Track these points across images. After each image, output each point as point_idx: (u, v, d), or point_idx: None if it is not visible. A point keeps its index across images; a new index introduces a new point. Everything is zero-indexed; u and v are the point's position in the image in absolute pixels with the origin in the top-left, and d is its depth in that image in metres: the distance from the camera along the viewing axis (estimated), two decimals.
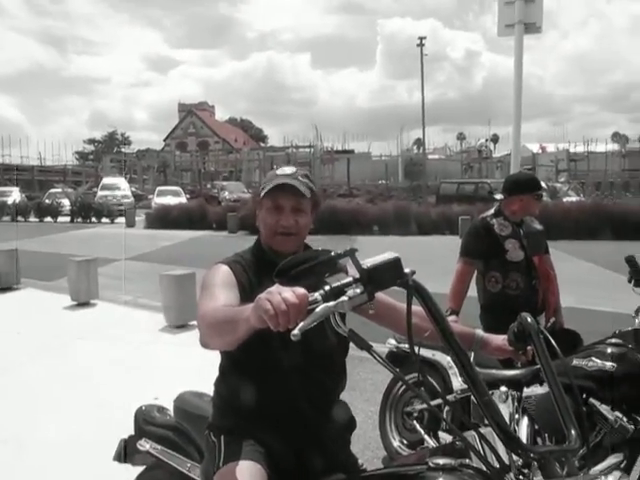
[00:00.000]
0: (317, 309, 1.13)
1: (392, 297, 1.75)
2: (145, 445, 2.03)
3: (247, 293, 1.56)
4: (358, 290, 1.18)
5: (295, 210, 1.69)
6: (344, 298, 1.16)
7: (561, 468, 1.22)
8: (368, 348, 1.20)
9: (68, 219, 24.78)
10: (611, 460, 2.38)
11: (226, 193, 29.30)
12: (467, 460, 1.25)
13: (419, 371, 2.19)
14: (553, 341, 1.52)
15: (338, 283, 1.19)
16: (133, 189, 33.57)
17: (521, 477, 1.16)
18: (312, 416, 1.59)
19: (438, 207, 20.82)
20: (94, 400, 4.20)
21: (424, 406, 3.22)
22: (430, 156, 47.10)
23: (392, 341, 3.44)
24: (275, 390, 1.59)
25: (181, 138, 67.19)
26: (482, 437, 1.23)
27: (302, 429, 1.58)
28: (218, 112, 78.26)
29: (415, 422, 3.22)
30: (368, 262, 1.22)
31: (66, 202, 25.56)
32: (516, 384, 2.77)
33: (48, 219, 25.04)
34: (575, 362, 2.54)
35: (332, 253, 1.24)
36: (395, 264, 1.23)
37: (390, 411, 3.53)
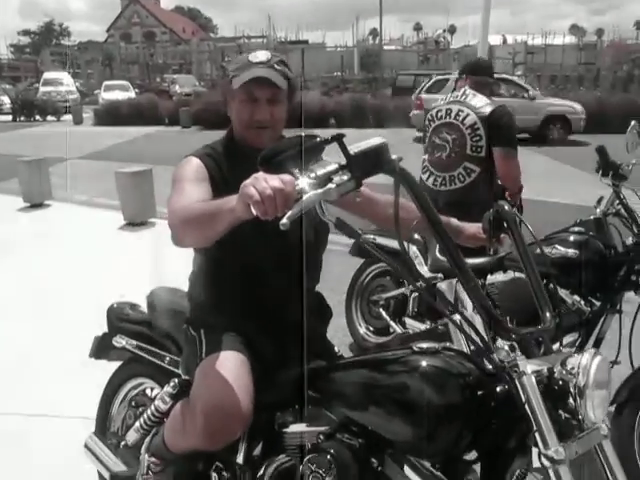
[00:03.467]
0: (304, 197, 1.09)
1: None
2: (121, 341, 2.03)
3: (220, 187, 1.50)
4: (345, 177, 1.13)
5: (271, 102, 1.59)
6: (331, 185, 1.12)
7: (538, 348, 1.28)
8: (357, 237, 1.18)
9: (10, 118, 23.40)
10: (568, 339, 2.53)
11: (177, 87, 27.98)
12: (448, 344, 1.29)
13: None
14: (530, 228, 1.54)
15: (324, 170, 1.13)
16: (77, 84, 31.73)
17: (503, 357, 1.20)
18: (289, 307, 1.60)
19: (394, 99, 20.53)
20: (62, 301, 4.18)
21: (390, 294, 3.32)
22: (386, 47, 45.67)
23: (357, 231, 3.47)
24: (252, 284, 1.58)
25: (125, 28, 62.88)
26: (466, 320, 1.26)
27: (280, 320, 1.59)
28: (163, 0, 73.16)
29: (381, 310, 3.33)
30: (354, 147, 1.16)
31: (6, 99, 24.05)
32: (480, 271, 2.86)
33: None
34: (538, 250, 2.61)
35: (318, 139, 1.18)
36: (382, 149, 1.18)
37: (356, 299, 3.62)
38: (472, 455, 1.28)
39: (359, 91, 26.03)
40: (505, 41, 46.89)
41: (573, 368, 1.15)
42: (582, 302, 2.53)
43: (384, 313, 3.30)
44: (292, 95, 1.67)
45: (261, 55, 1.61)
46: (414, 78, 25.10)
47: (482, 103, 3.07)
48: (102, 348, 2.13)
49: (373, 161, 1.17)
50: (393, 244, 3.35)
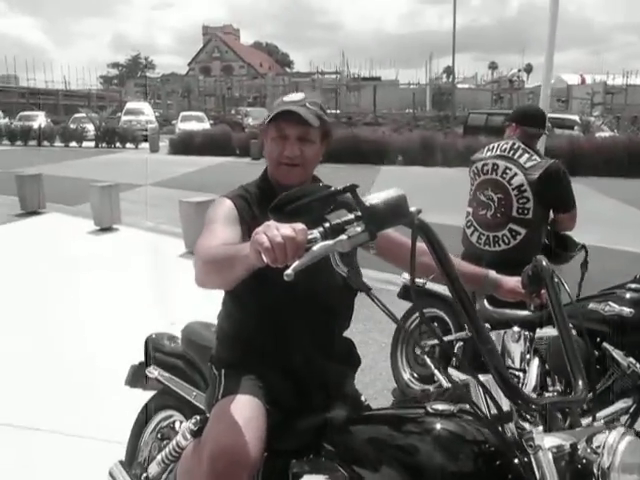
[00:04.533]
0: (314, 247, 1.07)
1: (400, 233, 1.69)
2: (154, 372, 2.06)
3: (251, 229, 1.50)
4: (359, 229, 1.11)
5: (301, 139, 1.59)
6: (343, 237, 1.09)
7: (564, 418, 1.19)
8: (367, 290, 1.15)
9: (93, 144, 24.81)
10: (619, 405, 2.37)
11: (250, 119, 28.88)
12: (467, 406, 1.22)
13: (420, 314, 2.15)
14: (566, 286, 1.47)
15: (338, 220, 1.11)
16: (157, 114, 33.33)
17: (521, 428, 1.12)
18: (314, 353, 1.57)
19: (465, 138, 20.27)
20: (111, 323, 4.31)
21: (436, 341, 3.22)
22: (459, 85, 45.61)
23: (406, 275, 3.41)
24: (276, 327, 1.57)
25: (205, 62, 65.88)
26: (482, 385, 1.19)
27: (303, 366, 1.56)
28: (243, 36, 76.54)
29: (426, 357, 3.23)
30: (371, 199, 1.14)
31: (90, 127, 25.50)
32: (529, 325, 2.74)
33: (73, 144, 25.11)
34: (592, 306, 2.48)
35: (332, 188, 1.16)
36: (399, 202, 1.14)
37: (402, 344, 3.54)
38: None
39: (429, 129, 25.97)
40: (584, 81, 45.79)
41: (599, 447, 1.06)
42: (638, 365, 2.37)
43: (429, 361, 3.20)
44: (325, 136, 1.66)
45: (295, 96, 1.63)
46: (486, 117, 24.88)
47: (532, 163, 2.92)
48: (137, 377, 2.17)
49: (390, 213, 1.13)
50: (443, 290, 3.28)
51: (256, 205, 1.62)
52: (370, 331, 4.28)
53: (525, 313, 2.75)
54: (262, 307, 1.57)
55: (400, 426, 1.28)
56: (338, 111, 34.77)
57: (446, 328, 3.25)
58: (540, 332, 2.66)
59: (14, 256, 6.71)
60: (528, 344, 2.73)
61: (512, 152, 2.99)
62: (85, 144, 25.02)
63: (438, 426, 1.20)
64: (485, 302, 2.94)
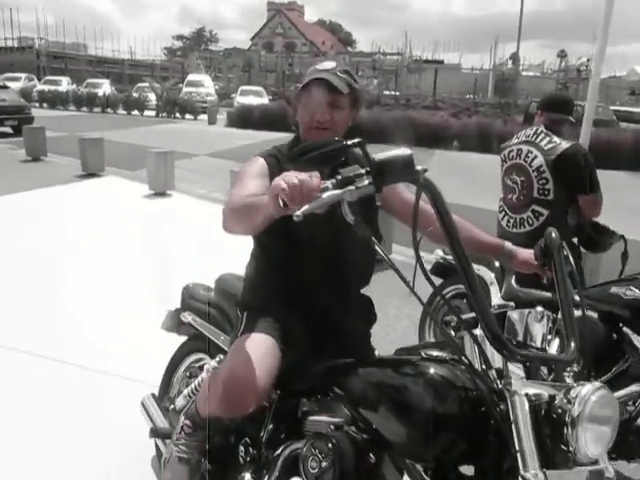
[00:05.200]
0: (324, 195, 1.19)
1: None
2: (188, 317, 2.24)
3: None
4: (366, 181, 1.22)
5: (331, 105, 1.69)
6: (351, 187, 1.21)
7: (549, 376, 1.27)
8: (369, 237, 1.25)
9: (154, 113, 25.47)
10: (633, 388, 2.40)
11: None
12: (463, 358, 1.31)
13: (441, 297, 2.23)
14: (572, 259, 1.53)
15: (349, 173, 1.22)
16: (217, 87, 33.81)
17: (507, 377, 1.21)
18: (331, 303, 1.69)
19: (525, 127, 19.74)
20: (155, 273, 4.56)
21: (462, 317, 3.29)
22: (524, 73, 44.24)
23: (439, 252, 3.48)
24: (296, 276, 1.69)
25: (268, 38, 66.11)
26: (475, 338, 1.29)
27: (320, 314, 1.68)
28: (307, 13, 76.19)
29: (452, 332, 3.30)
30: (379, 155, 1.24)
31: (152, 96, 26.17)
32: (553, 306, 2.78)
33: (135, 112, 25.83)
34: (614, 289, 2.51)
35: (343, 142, 1.26)
36: (406, 160, 1.24)
37: (431, 320, 3.62)
38: (470, 470, 1.30)
39: (489, 115, 25.38)
40: None
41: (575, 398, 1.14)
42: None
43: (452, 333, 3.27)
44: (355, 103, 1.76)
45: (327, 64, 1.73)
46: None
47: (551, 145, 2.97)
48: (172, 322, 2.35)
49: (396, 169, 1.24)
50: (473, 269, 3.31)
51: (285, 163, 1.73)
52: (404, 305, 4.38)
53: (550, 294, 2.79)
54: (285, 258, 1.70)
55: (397, 370, 1.39)
56: (397, 93, 34.42)
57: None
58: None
59: (73, 213, 7.19)
60: (550, 324, 2.78)
61: (535, 137, 3.05)
62: (146, 113, 25.70)
63: (430, 370, 1.30)
64: (513, 281, 3.00)
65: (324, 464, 1.38)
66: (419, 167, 1.27)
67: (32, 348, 3.44)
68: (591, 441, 1.13)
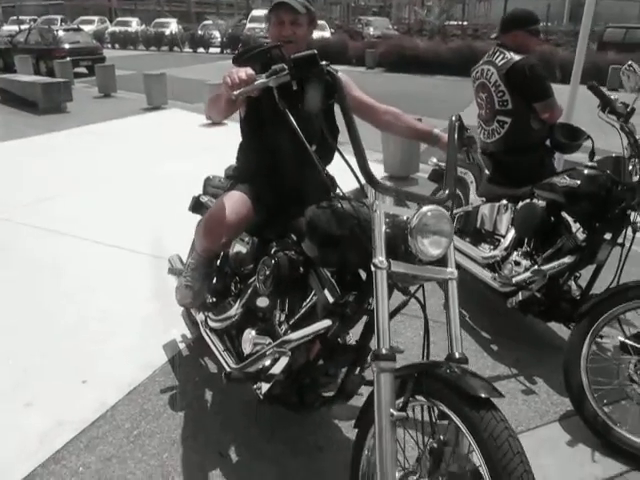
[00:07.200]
0: (255, 82, 1.79)
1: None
2: (205, 198, 2.91)
3: None
4: (284, 73, 1.79)
5: (293, 23, 2.20)
6: (273, 76, 1.80)
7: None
8: (283, 107, 1.82)
9: (218, 50, 26.07)
10: (565, 260, 2.87)
11: (371, 29, 28.62)
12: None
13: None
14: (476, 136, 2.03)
15: (276, 68, 1.80)
16: None
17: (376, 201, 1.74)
18: (296, 175, 2.21)
19: (598, 55, 18.77)
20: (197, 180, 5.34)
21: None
22: None
23: (434, 159, 3.96)
24: (268, 155, 2.27)
25: None
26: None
27: (287, 184, 2.25)
28: None
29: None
30: (295, 55, 1.79)
31: (217, 34, 26.72)
32: (515, 199, 3.25)
33: (201, 50, 26.55)
34: (555, 179, 2.94)
35: (267, 46, 1.84)
36: (312, 57, 1.77)
37: None
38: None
39: (562, 43, 24.20)
40: None
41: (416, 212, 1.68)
42: (581, 229, 2.84)
43: None
44: (311, 22, 2.27)
45: None
46: (625, 32, 22.78)
47: (504, 60, 3.27)
48: (195, 205, 3.02)
49: (305, 63, 1.77)
50: (461, 173, 3.75)
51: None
52: None
53: (512, 190, 3.26)
54: (262, 144, 2.27)
55: (319, 209, 1.95)
56: (465, 22, 33.20)
57: (460, 203, 3.78)
58: (520, 204, 3.18)
59: (141, 138, 8.29)
60: (511, 214, 3.27)
61: (492, 55, 3.39)
62: (212, 50, 26.36)
63: (336, 207, 1.87)
64: (486, 180, 3.48)
65: (267, 272, 2.03)
66: (323, 62, 1.82)
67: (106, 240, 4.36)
68: (430, 245, 1.68)
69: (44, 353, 2.94)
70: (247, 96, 1.94)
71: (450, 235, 1.74)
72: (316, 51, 1.81)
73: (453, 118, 2.08)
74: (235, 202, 2.23)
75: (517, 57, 3.25)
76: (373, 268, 1.63)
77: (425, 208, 1.70)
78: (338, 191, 1.94)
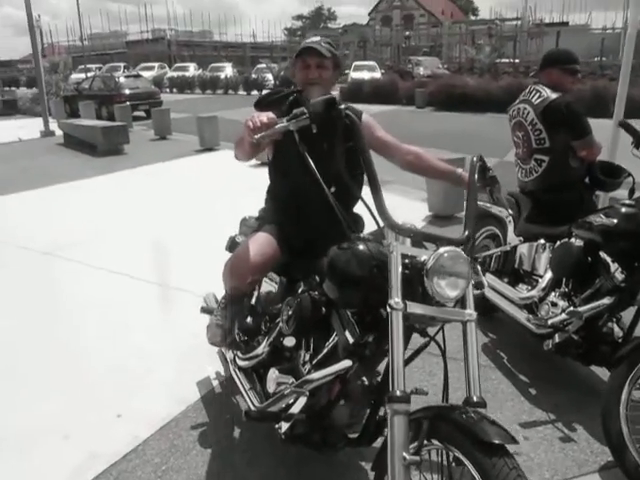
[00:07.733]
0: (277, 126, 1.86)
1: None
2: (240, 238, 2.98)
3: None
4: (304, 117, 1.85)
5: (319, 66, 2.27)
6: (293, 120, 1.86)
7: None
8: (304, 151, 1.88)
9: None
10: (603, 301, 2.77)
11: (421, 68, 28.94)
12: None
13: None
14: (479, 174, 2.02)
15: (296, 112, 1.87)
16: None
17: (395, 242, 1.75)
18: (319, 215, 2.22)
19: None
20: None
21: (486, 253, 3.75)
22: None
23: None
24: (293, 197, 2.33)
25: (386, 11, 65.46)
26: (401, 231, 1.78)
27: (310, 222, 2.29)
28: None
29: (478, 266, 3.77)
30: (313, 99, 1.86)
31: (270, 76, 27.60)
32: (553, 238, 3.19)
33: (254, 92, 27.39)
34: (591, 217, 2.88)
35: (284, 91, 1.92)
36: (331, 101, 1.84)
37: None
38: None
39: (615, 78, 23.72)
40: None
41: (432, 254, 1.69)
42: (619, 270, 2.75)
43: (480, 268, 3.75)
44: (336, 66, 2.34)
45: (313, 38, 2.32)
46: None
47: (540, 99, 3.25)
48: (232, 245, 3.10)
49: (324, 107, 1.84)
50: (498, 211, 3.75)
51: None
52: None
53: (550, 229, 3.21)
54: (287, 186, 2.36)
55: (339, 250, 1.97)
56: (517, 60, 33.12)
57: (499, 243, 3.74)
58: (557, 243, 3.12)
59: (194, 178, 8.70)
60: (549, 254, 3.20)
61: (528, 94, 3.38)
62: (265, 92, 27.15)
63: (358, 247, 1.88)
64: (524, 220, 3.43)
65: (289, 312, 2.06)
66: (342, 105, 1.88)
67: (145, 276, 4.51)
68: (447, 287, 1.68)
69: (84, 388, 3.04)
70: (274, 139, 2.02)
71: (467, 277, 1.74)
72: (335, 95, 1.88)
73: (474, 159, 2.08)
74: (261, 243, 2.29)
75: (554, 95, 3.24)
76: (389, 309, 1.64)
77: (442, 249, 1.71)
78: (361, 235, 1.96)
